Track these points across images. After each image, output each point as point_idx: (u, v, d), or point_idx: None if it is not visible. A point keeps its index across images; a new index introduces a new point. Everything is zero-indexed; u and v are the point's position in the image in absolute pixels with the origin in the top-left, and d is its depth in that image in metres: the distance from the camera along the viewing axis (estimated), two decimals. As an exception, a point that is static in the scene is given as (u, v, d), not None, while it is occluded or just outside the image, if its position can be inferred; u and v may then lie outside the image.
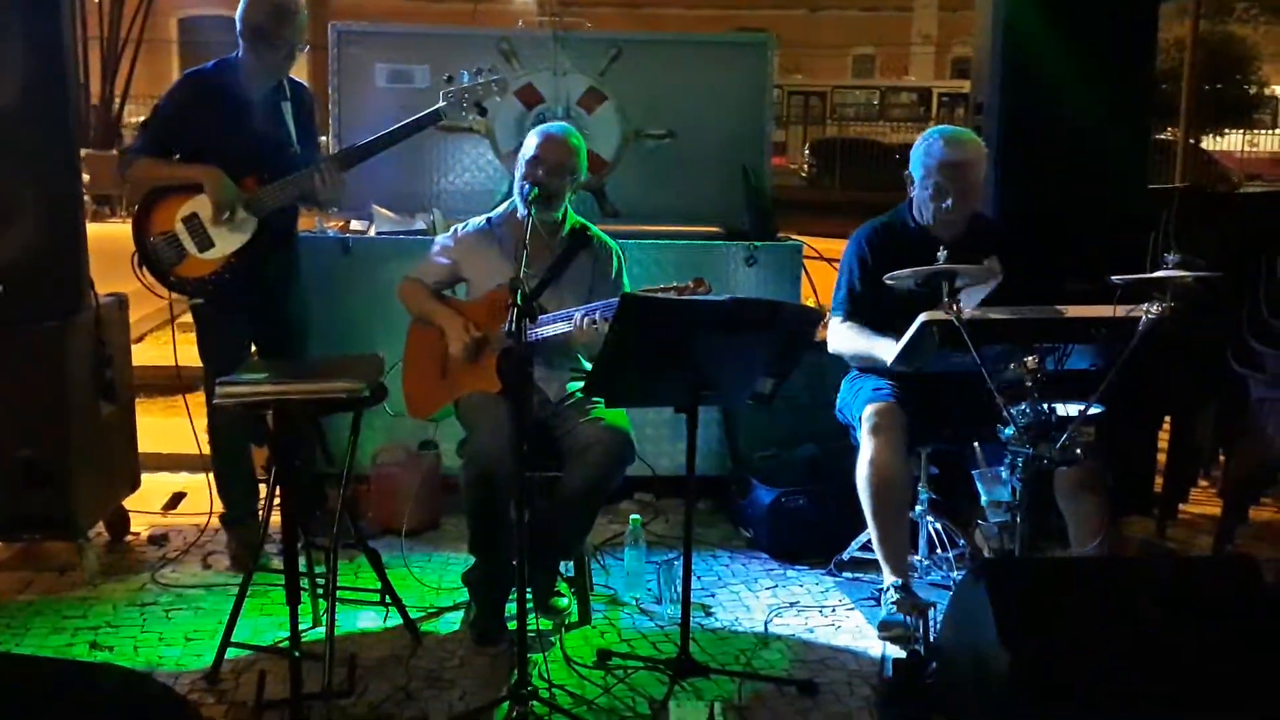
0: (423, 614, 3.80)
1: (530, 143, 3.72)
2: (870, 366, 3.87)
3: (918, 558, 4.06)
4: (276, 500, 3.30)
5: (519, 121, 5.05)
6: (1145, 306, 3.16)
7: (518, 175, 3.71)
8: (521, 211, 3.64)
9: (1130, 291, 3.23)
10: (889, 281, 3.43)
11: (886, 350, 3.61)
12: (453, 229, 3.97)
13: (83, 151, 14.47)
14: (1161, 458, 4.78)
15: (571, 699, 3.25)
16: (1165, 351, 3.89)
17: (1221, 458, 4.78)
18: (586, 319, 3.39)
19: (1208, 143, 21.48)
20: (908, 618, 3.59)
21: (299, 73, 4.33)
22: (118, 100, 18.97)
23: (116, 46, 18.77)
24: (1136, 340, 3.17)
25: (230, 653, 3.40)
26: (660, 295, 3.28)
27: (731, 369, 3.26)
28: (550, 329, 3.49)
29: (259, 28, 3.96)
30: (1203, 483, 4.99)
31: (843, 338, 3.90)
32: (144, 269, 4.03)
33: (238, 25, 3.99)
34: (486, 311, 3.68)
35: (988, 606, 2.90)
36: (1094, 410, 3.28)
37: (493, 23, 5.19)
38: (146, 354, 6.78)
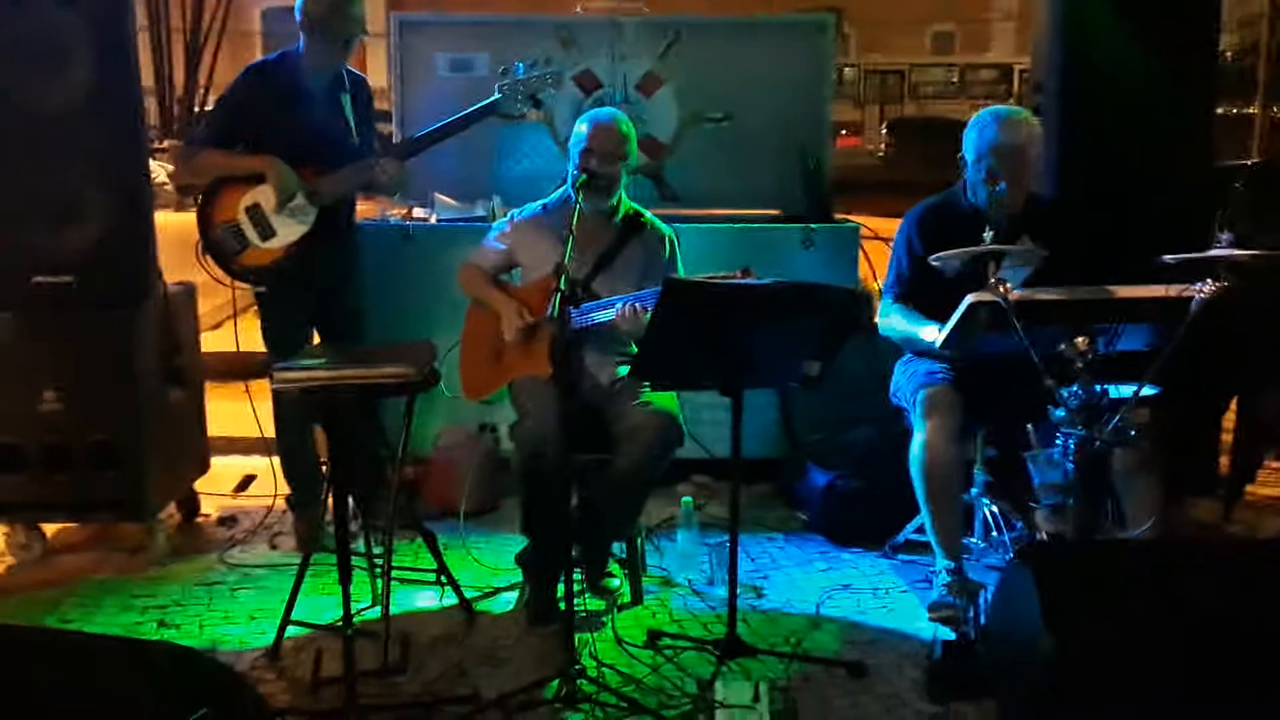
0: (479, 594, 3.87)
1: (580, 130, 3.76)
2: (920, 350, 3.85)
3: (974, 540, 4.04)
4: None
5: (577, 107, 5.09)
6: (1197, 286, 3.11)
7: (571, 163, 3.74)
8: (573, 197, 3.68)
9: (1186, 270, 3.19)
10: (935, 264, 3.42)
11: (931, 335, 3.60)
12: (509, 215, 4.02)
13: (167, 143, 14.77)
14: (1227, 438, 4.69)
15: (620, 678, 3.30)
16: (1230, 330, 3.82)
17: (1291, 439, 4.68)
18: (629, 307, 3.42)
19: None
20: (958, 600, 3.58)
21: (360, 64, 4.41)
22: (201, 91, 19.36)
23: (199, 39, 19.14)
24: (1190, 320, 3.13)
25: (290, 631, 3.50)
26: (704, 280, 3.30)
27: (775, 352, 3.27)
28: (599, 315, 3.53)
29: (318, 18, 4.04)
30: (1271, 464, 4.89)
31: (891, 320, 3.88)
32: (208, 257, 4.14)
33: (297, 16, 4.07)
34: (539, 296, 3.72)
35: (1033, 590, 2.88)
36: (1147, 391, 3.24)
37: (551, 9, 5.23)
38: (222, 340, 6.95)
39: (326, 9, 4.02)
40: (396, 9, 5.99)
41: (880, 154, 25.17)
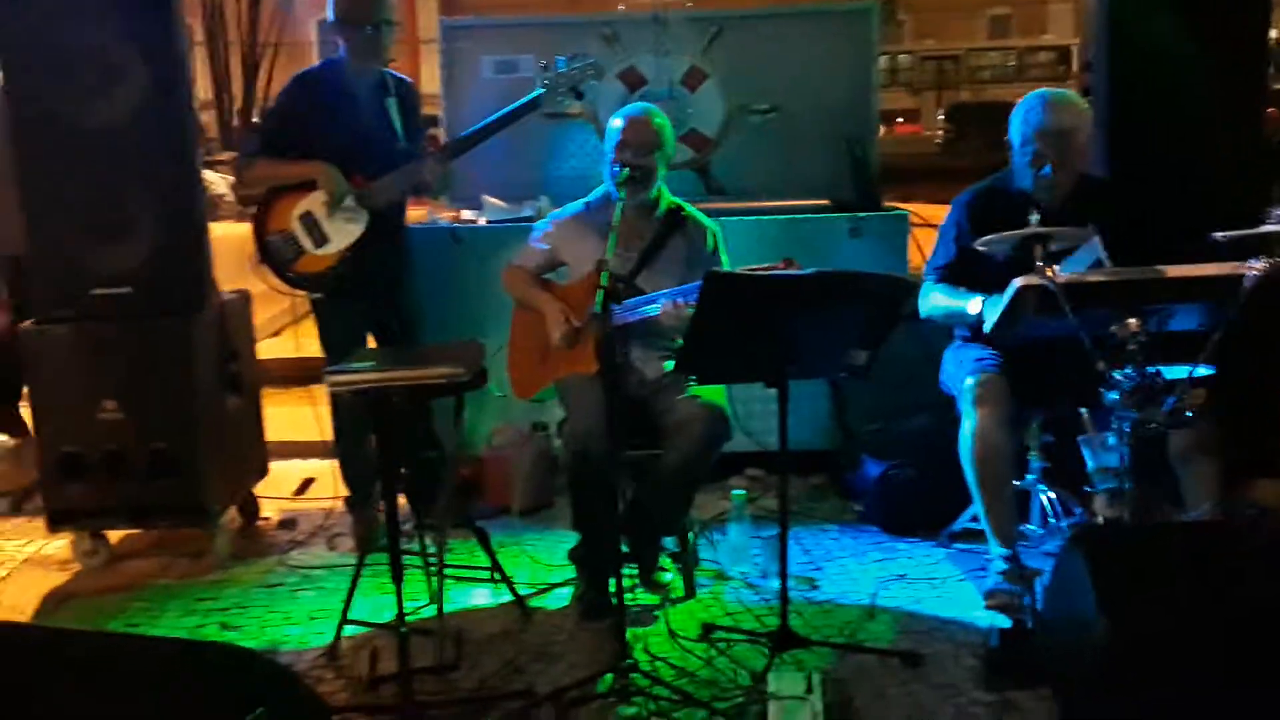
0: (533, 591, 3.90)
1: (614, 126, 3.77)
2: (970, 334, 3.81)
3: (1031, 527, 3.99)
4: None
5: (623, 103, 5.07)
6: (1250, 263, 3.06)
7: (607, 160, 3.76)
8: (614, 194, 3.69)
9: (1237, 248, 3.13)
10: (980, 248, 3.39)
11: (976, 306, 3.56)
12: (551, 215, 4.04)
13: (226, 155, 15.02)
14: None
15: (673, 671, 3.31)
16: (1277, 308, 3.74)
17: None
18: (671, 302, 3.43)
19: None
20: (1014, 587, 3.55)
21: (414, 71, 4.45)
22: (259, 103, 19.64)
23: (256, 51, 19.42)
24: (1243, 298, 3.07)
25: (348, 630, 3.55)
26: (744, 272, 3.30)
27: (819, 342, 3.26)
28: (642, 310, 3.54)
29: (342, 14, 4.10)
30: (1340, 443, 4.77)
31: (932, 299, 3.85)
32: (263, 266, 4.20)
33: (329, 18, 4.13)
34: (583, 294, 3.73)
35: (1086, 575, 2.85)
36: (1202, 372, 3.19)
37: (595, 7, 5.28)
38: (281, 348, 7.07)
39: (348, 3, 4.08)
40: (449, 14, 6.04)
41: (938, 140, 24.92)
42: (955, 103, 26.54)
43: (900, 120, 27.48)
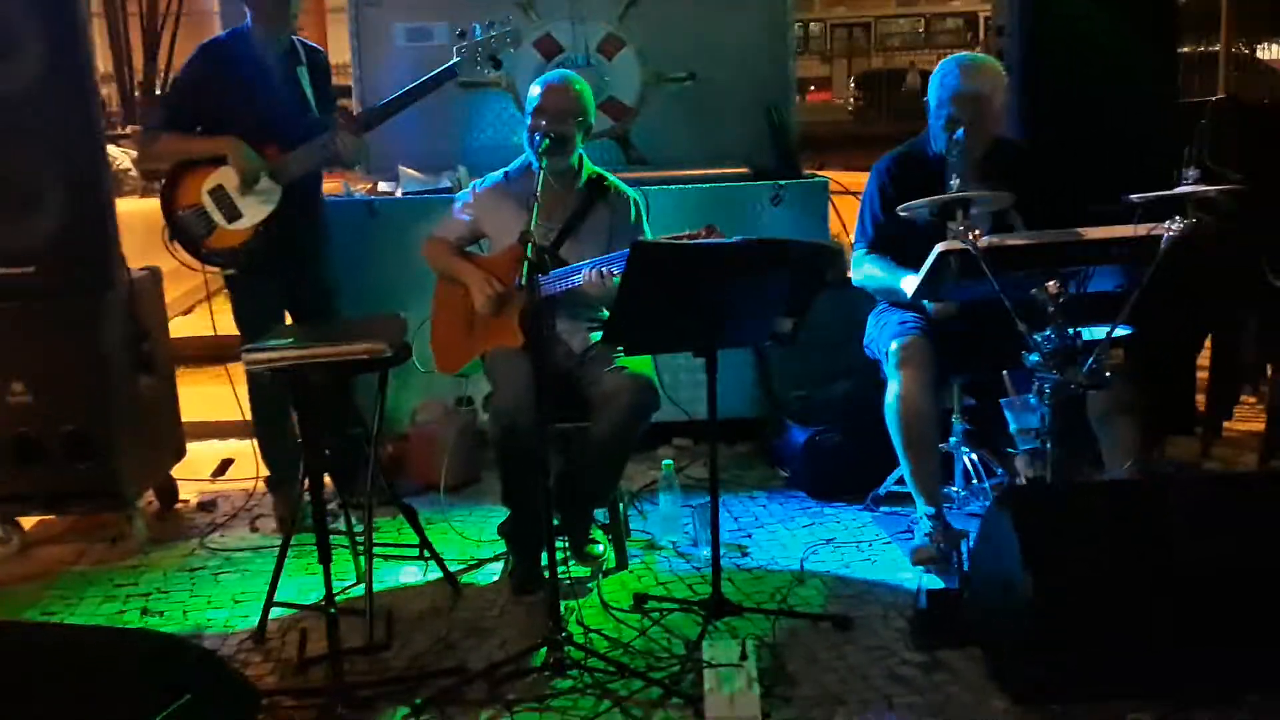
0: (463, 567, 3.86)
1: (533, 93, 3.72)
2: (895, 300, 3.84)
3: (954, 489, 4.05)
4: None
5: (539, 72, 5.00)
6: (1166, 224, 3.11)
7: (525, 128, 3.71)
8: (534, 164, 3.65)
9: (1153, 210, 3.18)
10: (902, 213, 3.41)
11: (908, 284, 3.59)
12: (471, 185, 3.98)
13: (129, 128, 14.53)
14: (1204, 376, 4.70)
15: (607, 643, 3.30)
16: (1200, 268, 3.82)
17: (1268, 372, 4.70)
18: (595, 271, 3.39)
19: (1264, 53, 20.84)
20: (941, 546, 3.60)
21: (322, 39, 4.35)
22: (161, 75, 19.11)
23: (156, 22, 18.87)
24: (1159, 259, 3.13)
25: (275, 612, 3.49)
26: (669, 241, 3.28)
27: (746, 311, 3.25)
28: (564, 283, 3.50)
29: None
30: (1248, 399, 4.91)
31: (866, 271, 3.87)
32: (175, 243, 4.09)
33: None
34: (507, 266, 3.69)
35: (1013, 533, 2.90)
36: (1121, 332, 3.25)
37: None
38: (194, 325, 6.90)
39: None
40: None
41: (850, 108, 25.12)
42: (864, 71, 26.75)
43: (813, 88, 27.61)
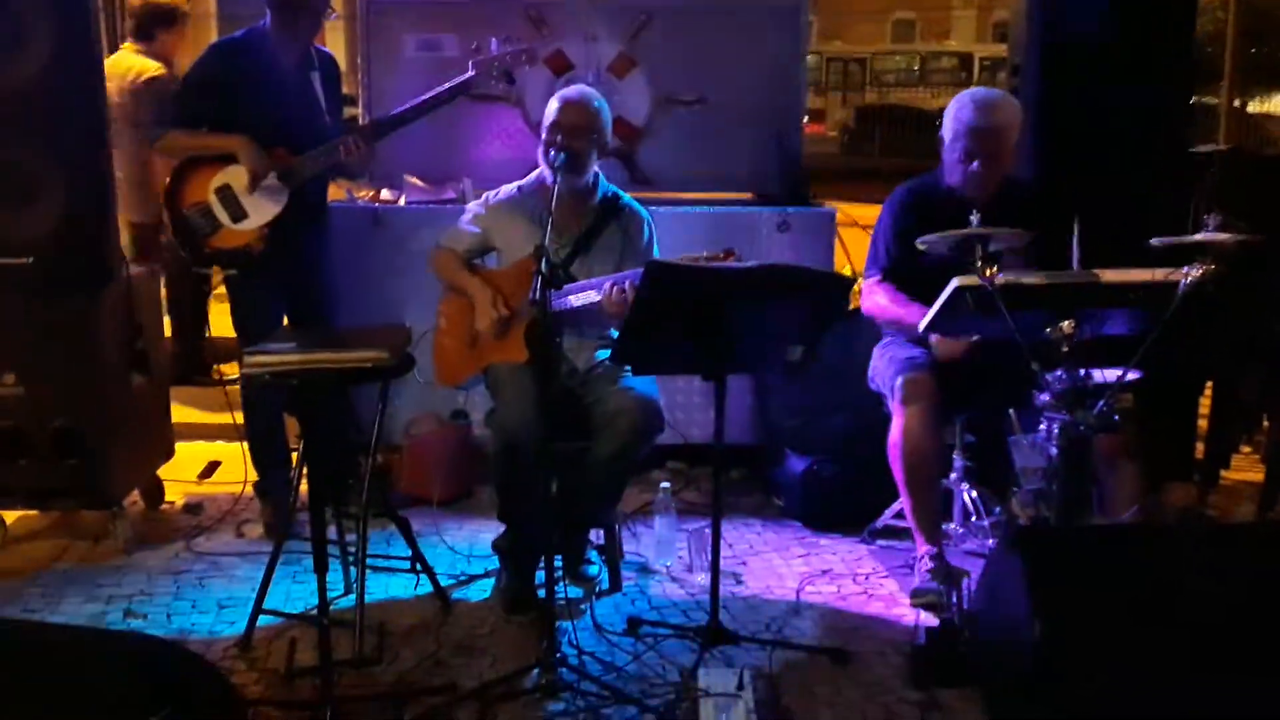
0: (454, 582, 3.81)
1: (550, 108, 3.69)
2: (902, 332, 3.82)
3: (953, 526, 4.01)
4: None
5: (549, 88, 5.00)
6: (1184, 270, 3.10)
7: (542, 143, 3.68)
8: (549, 179, 3.62)
9: (1169, 255, 3.17)
10: (921, 246, 3.39)
11: (919, 317, 3.56)
12: (484, 197, 3.94)
13: (122, 125, 14.37)
14: (1203, 423, 4.70)
15: (601, 666, 3.25)
16: (1206, 315, 3.81)
17: (1265, 422, 4.70)
18: (615, 288, 3.35)
19: (1254, 106, 21.02)
20: (940, 585, 3.56)
21: (333, 44, 4.32)
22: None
23: (155, 21, 18.80)
24: (1176, 304, 3.11)
25: (262, 620, 3.43)
26: (687, 263, 3.24)
27: (759, 337, 3.22)
28: (578, 298, 3.46)
29: None
30: (1245, 448, 4.91)
31: (876, 302, 3.85)
32: (178, 240, 4.04)
33: None
34: (516, 280, 3.65)
35: (1020, 575, 2.87)
36: (1132, 376, 3.23)
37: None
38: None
39: None
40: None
41: (842, 141, 25.25)
42: (860, 105, 26.90)
43: (805, 120, 27.79)
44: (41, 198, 3.84)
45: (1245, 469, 4.82)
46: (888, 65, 28.83)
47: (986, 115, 3.75)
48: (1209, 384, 4.72)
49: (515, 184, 3.89)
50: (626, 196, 3.86)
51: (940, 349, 3.73)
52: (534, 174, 3.84)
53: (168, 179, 4.08)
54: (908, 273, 3.77)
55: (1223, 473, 4.65)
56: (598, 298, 3.42)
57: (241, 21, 4.11)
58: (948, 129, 3.83)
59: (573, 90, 3.78)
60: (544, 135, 3.67)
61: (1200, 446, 4.65)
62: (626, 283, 3.34)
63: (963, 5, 32.62)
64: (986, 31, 30.93)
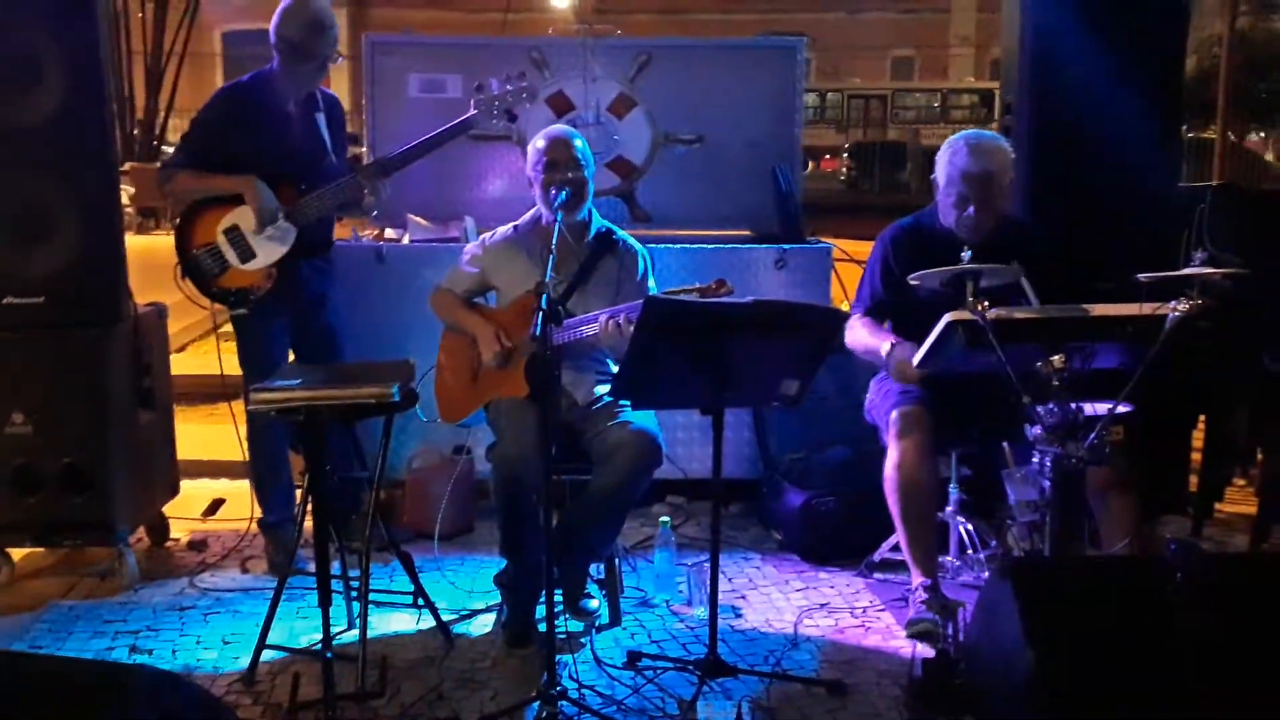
0: (456, 616, 3.85)
1: (538, 146, 3.75)
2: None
3: (948, 558, 4.05)
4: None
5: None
6: (1172, 304, 3.15)
7: (536, 184, 3.75)
8: (548, 217, 3.69)
9: (1158, 289, 3.22)
10: (913, 282, 3.44)
11: (885, 348, 3.63)
12: (481, 238, 4.01)
13: (127, 165, 14.68)
14: (1197, 456, 4.74)
15: (601, 699, 3.28)
16: (1199, 349, 3.86)
17: (1259, 456, 4.74)
18: (611, 321, 3.41)
19: (1249, 141, 21.19)
20: (936, 617, 3.59)
21: (338, 84, 4.40)
22: (162, 114, 19.24)
23: (160, 60, 19.04)
24: (1164, 338, 3.16)
25: (266, 655, 3.46)
26: (683, 297, 3.30)
27: (755, 371, 3.27)
28: (576, 332, 3.52)
29: (293, 42, 4.03)
30: (1239, 481, 4.95)
31: (855, 336, 3.90)
32: (186, 280, 4.10)
33: (271, 38, 4.06)
34: (515, 317, 3.71)
35: (1013, 606, 2.90)
36: (1122, 409, 3.27)
37: (524, 32, 5.21)
38: (189, 363, 6.91)
39: (305, 33, 4.02)
40: (360, 31, 5.97)
41: (842, 177, 25.41)
42: (855, 142, 27.08)
43: (827, 156, 27.98)
44: (55, 236, 3.93)
45: (1239, 502, 4.86)
46: (908, 102, 28.98)
47: (980, 161, 3.80)
48: (1202, 418, 4.77)
49: (511, 224, 3.95)
50: (620, 231, 3.93)
51: (895, 374, 3.75)
52: (529, 214, 3.91)
53: (177, 220, 4.16)
54: (897, 310, 3.83)
55: (1217, 506, 4.69)
56: (594, 330, 3.48)
57: (245, 61, 4.20)
58: (941, 173, 3.88)
59: (552, 129, 3.86)
60: (539, 176, 3.73)
61: (1194, 480, 4.69)
62: (622, 315, 3.40)
63: (960, 44, 32.86)
64: (984, 69, 31.16)
